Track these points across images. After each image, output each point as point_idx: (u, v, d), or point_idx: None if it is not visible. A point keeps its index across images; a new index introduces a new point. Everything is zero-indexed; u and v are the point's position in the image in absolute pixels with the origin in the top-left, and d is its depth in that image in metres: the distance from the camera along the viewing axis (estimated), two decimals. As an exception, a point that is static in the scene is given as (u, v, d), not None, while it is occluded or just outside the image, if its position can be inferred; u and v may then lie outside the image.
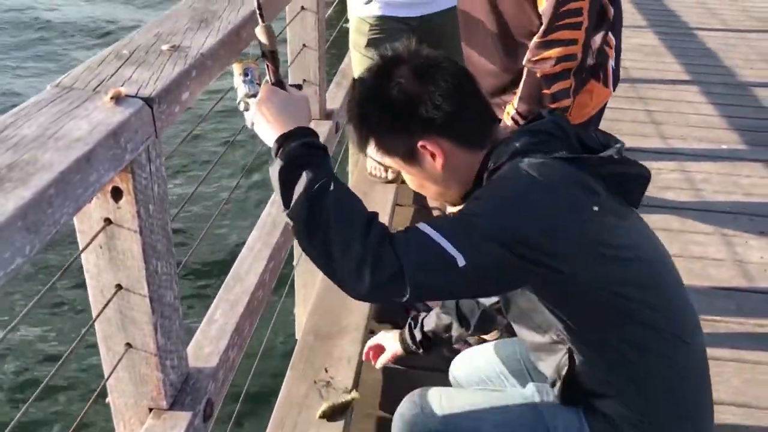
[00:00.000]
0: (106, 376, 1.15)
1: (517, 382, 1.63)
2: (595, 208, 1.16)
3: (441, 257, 1.08)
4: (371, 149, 1.32)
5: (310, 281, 2.70)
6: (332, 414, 1.91)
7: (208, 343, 1.34)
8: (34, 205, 0.75)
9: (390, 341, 1.87)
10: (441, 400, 1.45)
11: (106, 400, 1.22)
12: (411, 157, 1.28)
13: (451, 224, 1.14)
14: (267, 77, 1.28)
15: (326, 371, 2.01)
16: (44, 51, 7.29)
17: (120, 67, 1.09)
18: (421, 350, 1.80)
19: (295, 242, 2.25)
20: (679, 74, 4.76)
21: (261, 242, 1.65)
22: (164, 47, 1.19)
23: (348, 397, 1.92)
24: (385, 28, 2.63)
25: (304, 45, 2.26)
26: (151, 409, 1.19)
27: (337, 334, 2.16)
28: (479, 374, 1.68)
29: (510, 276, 1.16)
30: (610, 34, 1.82)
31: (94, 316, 1.10)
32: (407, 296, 1.07)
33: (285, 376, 2.09)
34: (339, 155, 3.42)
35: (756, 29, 5.71)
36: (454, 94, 1.25)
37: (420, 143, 1.25)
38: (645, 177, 1.27)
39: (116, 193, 1.02)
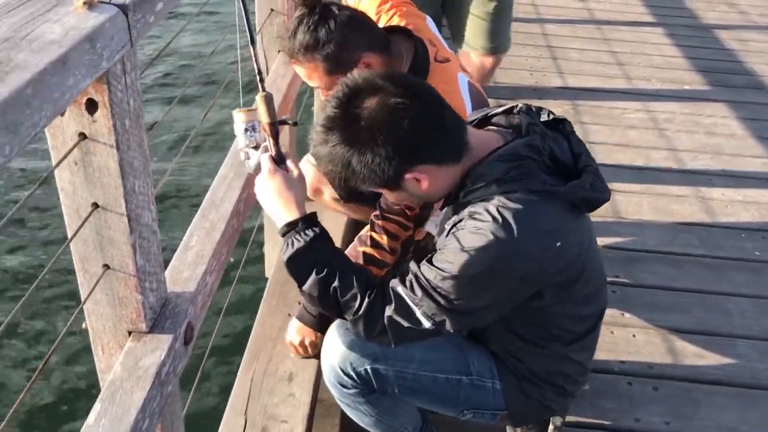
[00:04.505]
0: (83, 299, 1.12)
1: None
2: (558, 244, 1.29)
3: (412, 320, 1.31)
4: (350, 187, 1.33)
5: (279, 220, 2.67)
6: None
7: (186, 268, 1.32)
8: (12, 103, 0.71)
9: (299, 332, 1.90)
10: None
11: (83, 325, 1.20)
12: (397, 186, 1.31)
13: (422, 292, 1.29)
14: (267, 144, 1.41)
15: (300, 304, 2.00)
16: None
17: (90, -25, 1.03)
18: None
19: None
20: (643, 16, 4.77)
21: (233, 171, 1.62)
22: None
23: None
24: None
25: (271, -26, 2.19)
26: (130, 333, 1.17)
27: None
28: None
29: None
30: None
31: (69, 236, 1.07)
32: (393, 345, 1.36)
33: (258, 311, 2.09)
34: (305, 96, 3.37)
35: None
36: (430, 120, 1.26)
37: (407, 176, 1.27)
38: (605, 200, 1.37)
39: (91, 106, 0.97)
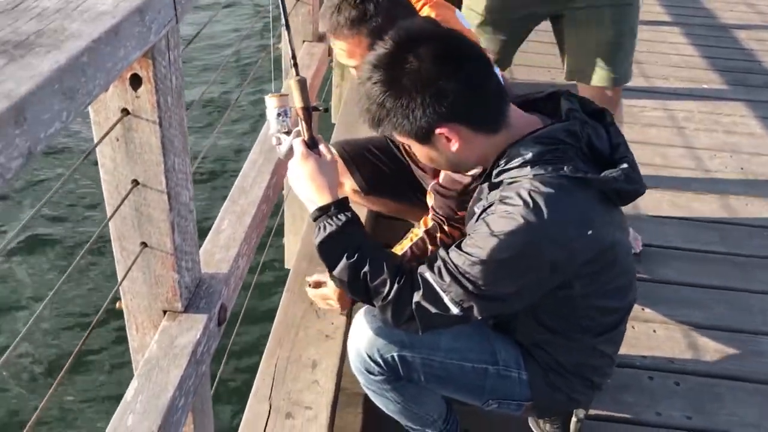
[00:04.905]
0: (120, 277, 1.12)
1: None
2: (590, 233, 1.27)
3: (440, 306, 1.30)
4: (382, 130, 1.32)
5: (298, 212, 2.68)
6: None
7: (218, 251, 1.33)
8: (69, 70, 0.71)
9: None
10: None
11: (117, 305, 1.20)
12: (426, 139, 1.29)
13: (450, 277, 1.28)
14: (300, 129, 1.41)
15: (323, 293, 2.00)
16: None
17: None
18: None
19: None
20: (660, 15, 4.75)
21: (263, 157, 1.62)
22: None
23: None
24: None
25: (297, -37, 2.19)
26: (165, 312, 1.17)
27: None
28: None
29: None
30: None
31: (108, 214, 1.07)
32: (420, 332, 1.34)
33: (280, 301, 2.09)
34: (329, 79, 3.37)
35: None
36: (475, 82, 1.26)
37: (438, 130, 1.26)
38: (640, 193, 1.37)
39: (135, 81, 0.98)
